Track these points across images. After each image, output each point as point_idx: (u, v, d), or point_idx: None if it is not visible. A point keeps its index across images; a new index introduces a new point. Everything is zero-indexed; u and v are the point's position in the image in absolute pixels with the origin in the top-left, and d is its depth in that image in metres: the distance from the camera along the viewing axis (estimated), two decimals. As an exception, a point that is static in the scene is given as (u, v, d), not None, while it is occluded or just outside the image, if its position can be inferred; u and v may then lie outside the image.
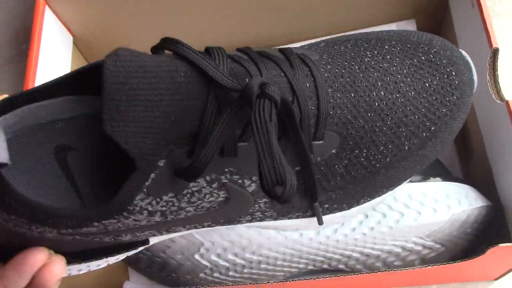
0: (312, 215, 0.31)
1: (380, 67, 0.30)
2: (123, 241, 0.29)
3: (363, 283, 0.42)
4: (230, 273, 0.40)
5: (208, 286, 0.39)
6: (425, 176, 0.39)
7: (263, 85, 0.24)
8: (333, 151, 0.29)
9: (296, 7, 0.47)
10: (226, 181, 0.27)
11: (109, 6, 0.46)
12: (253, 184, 0.28)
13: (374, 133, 0.30)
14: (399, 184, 0.32)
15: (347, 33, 0.34)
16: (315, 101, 0.28)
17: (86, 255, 0.29)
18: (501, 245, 0.33)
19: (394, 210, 0.37)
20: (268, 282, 0.40)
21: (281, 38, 0.51)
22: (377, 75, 0.30)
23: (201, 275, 0.41)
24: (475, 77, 0.32)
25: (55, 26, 0.46)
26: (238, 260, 0.39)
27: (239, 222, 0.30)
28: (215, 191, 0.27)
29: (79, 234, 0.26)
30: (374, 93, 0.30)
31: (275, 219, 0.31)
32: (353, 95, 0.29)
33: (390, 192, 0.32)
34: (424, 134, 0.30)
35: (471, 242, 0.39)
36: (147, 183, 0.24)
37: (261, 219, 0.31)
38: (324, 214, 0.31)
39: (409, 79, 0.30)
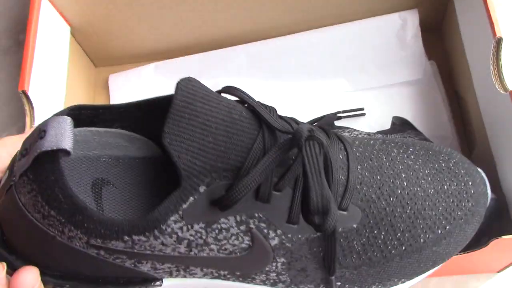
0: None
1: (405, 162, 0.33)
2: (140, 272, 0.28)
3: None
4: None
5: None
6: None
7: (311, 130, 0.27)
8: (354, 225, 0.30)
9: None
10: (253, 227, 0.27)
11: (107, -4, 0.45)
12: (276, 238, 0.28)
13: (394, 218, 0.31)
14: (410, 279, 0.33)
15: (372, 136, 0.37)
16: (346, 172, 0.30)
17: (97, 283, 0.29)
18: (504, 237, 0.33)
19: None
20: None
21: (281, 28, 0.50)
22: (401, 167, 0.32)
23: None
24: (489, 191, 0.34)
25: (52, 16, 0.45)
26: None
27: (253, 280, 0.30)
28: (241, 234, 0.27)
29: (105, 249, 0.26)
30: (398, 182, 0.32)
31: (288, 286, 0.31)
32: (379, 177, 0.31)
33: (401, 286, 0.33)
34: (439, 231, 0.32)
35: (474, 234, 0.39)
36: (184, 206, 0.26)
37: (274, 284, 0.30)
38: None
39: (430, 178, 0.32)
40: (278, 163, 0.27)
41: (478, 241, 0.38)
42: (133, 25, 0.49)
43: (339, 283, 0.31)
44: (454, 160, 0.34)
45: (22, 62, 0.40)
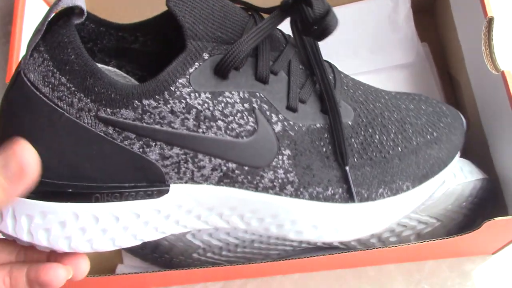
0: (332, 197, 0.31)
1: (387, 91, 0.36)
2: (147, 165, 0.28)
3: (358, 260, 0.41)
4: (224, 253, 0.40)
5: (201, 266, 0.39)
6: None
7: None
8: (349, 122, 0.32)
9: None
10: (256, 106, 0.29)
11: (94, -17, 0.45)
12: (279, 123, 0.29)
13: (384, 119, 0.33)
14: (414, 184, 0.34)
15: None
16: (332, 73, 0.33)
17: (107, 180, 0.28)
18: (497, 218, 0.33)
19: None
20: (262, 261, 0.39)
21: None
22: (384, 92, 0.36)
23: (194, 255, 0.40)
24: (463, 119, 0.38)
25: (38, 6, 0.44)
26: (231, 239, 0.39)
27: (261, 178, 0.30)
28: (246, 113, 0.29)
29: (114, 123, 0.26)
30: (380, 94, 0.35)
31: (296, 190, 0.30)
32: (361, 87, 0.34)
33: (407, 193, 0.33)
34: (428, 136, 0.34)
35: (467, 216, 0.39)
36: (190, 70, 0.27)
37: (282, 185, 0.30)
38: (342, 201, 0.32)
39: (407, 101, 0.36)
40: (272, 47, 0.30)
41: (471, 224, 0.38)
42: (123, 14, 0.48)
43: (345, 185, 0.31)
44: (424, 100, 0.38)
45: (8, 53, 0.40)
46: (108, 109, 0.26)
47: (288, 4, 0.29)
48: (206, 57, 0.27)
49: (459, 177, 0.37)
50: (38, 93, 0.26)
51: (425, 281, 0.42)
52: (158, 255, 0.41)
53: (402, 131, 0.34)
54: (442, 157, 0.35)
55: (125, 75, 0.32)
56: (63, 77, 0.26)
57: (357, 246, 0.40)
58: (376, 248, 0.36)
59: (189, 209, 0.30)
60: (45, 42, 0.26)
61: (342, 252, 0.36)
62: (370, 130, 0.32)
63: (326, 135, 0.31)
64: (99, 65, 0.30)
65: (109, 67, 0.32)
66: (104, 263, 0.45)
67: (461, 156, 0.39)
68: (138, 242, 0.30)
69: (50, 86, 0.26)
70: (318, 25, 0.28)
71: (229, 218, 0.31)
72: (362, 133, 0.32)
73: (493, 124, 0.38)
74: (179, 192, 0.29)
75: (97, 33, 0.31)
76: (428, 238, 0.38)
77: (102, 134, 0.27)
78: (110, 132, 0.27)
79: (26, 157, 0.25)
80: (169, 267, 0.42)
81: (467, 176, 0.37)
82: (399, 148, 0.33)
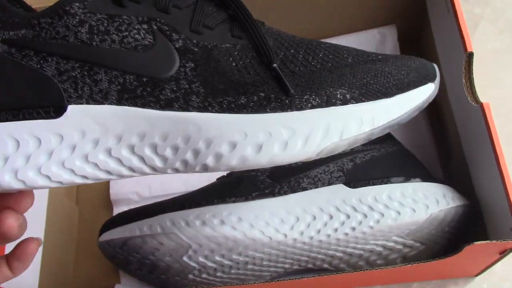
0: (245, 105, 0.29)
1: None
2: (44, 81, 0.29)
3: (347, 282, 0.43)
4: (218, 274, 0.41)
5: (197, 287, 0.41)
6: (406, 177, 0.40)
7: None
8: (271, 42, 0.31)
9: (278, 13, 0.48)
10: (156, 27, 0.29)
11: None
12: (180, 41, 0.29)
13: (311, 45, 0.32)
14: (351, 92, 0.30)
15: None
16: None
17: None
18: (477, 243, 0.34)
19: (375, 210, 0.38)
20: (255, 282, 0.41)
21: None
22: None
23: (190, 276, 0.42)
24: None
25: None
26: (226, 261, 0.40)
27: (162, 90, 0.29)
28: (143, 31, 0.29)
29: (15, 42, 0.28)
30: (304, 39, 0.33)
31: (203, 100, 0.29)
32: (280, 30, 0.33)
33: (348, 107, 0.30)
34: (369, 58, 0.32)
35: (450, 240, 0.41)
36: None
37: (186, 96, 0.29)
38: (258, 109, 0.29)
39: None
40: None
41: (454, 247, 0.40)
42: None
43: (262, 94, 0.29)
44: None
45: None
46: (11, 32, 0.28)
47: None
48: None
49: (441, 203, 0.39)
50: None
51: (411, 302, 0.44)
52: (155, 275, 0.43)
53: (334, 52, 0.31)
54: (391, 71, 0.31)
55: None
56: None
57: (345, 268, 0.41)
58: (364, 270, 0.38)
59: (95, 137, 0.29)
60: None
61: (331, 274, 0.38)
62: (292, 51, 0.31)
63: (236, 53, 0.30)
64: None
65: None
66: (102, 283, 0.47)
67: (444, 183, 0.41)
68: (46, 182, 0.29)
69: None
70: None
71: (142, 152, 0.29)
72: (283, 53, 0.31)
73: (474, 153, 0.40)
74: (80, 114, 0.29)
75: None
76: (413, 261, 0.40)
77: (6, 55, 0.28)
78: (13, 52, 0.28)
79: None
80: (165, 287, 0.43)
81: (450, 202, 0.39)
82: (329, 64, 0.30)
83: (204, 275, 0.41)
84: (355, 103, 0.29)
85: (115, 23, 0.29)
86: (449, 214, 0.39)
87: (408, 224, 0.38)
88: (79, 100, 0.29)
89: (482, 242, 0.34)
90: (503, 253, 0.37)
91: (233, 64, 0.30)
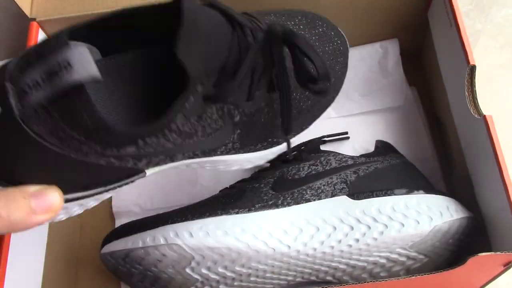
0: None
1: (295, 29, 0.40)
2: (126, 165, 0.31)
3: (350, 294, 0.43)
4: (221, 286, 0.41)
5: (199, 299, 0.40)
6: (409, 189, 0.40)
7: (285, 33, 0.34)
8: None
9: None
10: (226, 110, 0.33)
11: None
12: (238, 115, 0.35)
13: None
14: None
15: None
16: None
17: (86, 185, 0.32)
18: (481, 254, 0.34)
19: (379, 222, 0.38)
20: (258, 295, 0.41)
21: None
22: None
23: (192, 288, 0.41)
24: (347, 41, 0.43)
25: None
26: (228, 273, 0.40)
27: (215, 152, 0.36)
28: (219, 119, 0.33)
29: (117, 156, 0.30)
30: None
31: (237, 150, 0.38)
32: None
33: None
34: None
35: (454, 252, 0.40)
36: (187, 105, 0.30)
37: (228, 151, 0.37)
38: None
39: (317, 43, 0.41)
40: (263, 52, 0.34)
41: (458, 259, 0.40)
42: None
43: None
44: (325, 24, 0.43)
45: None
46: (115, 149, 0.29)
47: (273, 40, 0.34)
48: (199, 90, 0.30)
49: (445, 216, 0.39)
50: (42, 141, 0.28)
51: (415, 316, 0.43)
52: (157, 287, 0.42)
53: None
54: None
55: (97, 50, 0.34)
56: (75, 132, 0.28)
57: (349, 280, 0.41)
58: (368, 282, 0.37)
59: None
60: (55, 103, 0.27)
61: (334, 286, 0.38)
62: None
63: (266, 110, 0.36)
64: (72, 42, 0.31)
65: (84, 43, 0.32)
66: (104, 296, 0.46)
67: (447, 196, 0.41)
68: None
69: (58, 138, 0.28)
70: (320, 82, 0.34)
71: None
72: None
73: (477, 165, 0.40)
74: (154, 171, 0.34)
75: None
76: (417, 273, 0.39)
77: (104, 164, 0.30)
78: (112, 160, 0.30)
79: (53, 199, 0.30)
80: (167, 300, 0.43)
81: (453, 215, 0.39)
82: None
83: (206, 287, 0.41)
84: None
85: (202, 122, 0.32)
86: (453, 226, 0.39)
87: (412, 236, 0.38)
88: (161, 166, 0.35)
89: (486, 253, 0.34)
90: (507, 265, 0.37)
91: (262, 125, 0.37)
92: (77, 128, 0.28)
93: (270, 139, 0.39)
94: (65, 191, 0.30)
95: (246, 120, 0.36)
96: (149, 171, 0.34)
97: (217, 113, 0.33)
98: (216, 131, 0.34)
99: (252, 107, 0.35)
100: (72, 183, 0.31)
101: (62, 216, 0.34)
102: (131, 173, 0.33)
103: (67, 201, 0.31)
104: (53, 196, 0.29)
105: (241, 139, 0.37)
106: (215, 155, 0.37)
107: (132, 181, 0.34)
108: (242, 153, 0.38)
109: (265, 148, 0.40)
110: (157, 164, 0.33)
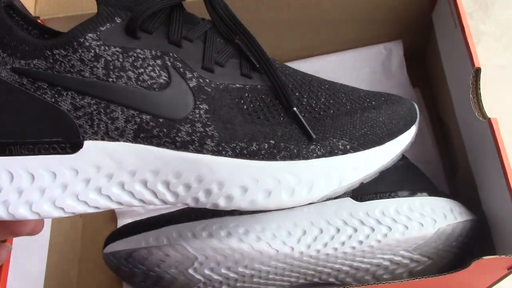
0: (257, 152, 0.31)
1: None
2: (60, 116, 0.28)
3: (353, 296, 0.43)
4: (223, 287, 0.41)
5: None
6: (413, 191, 0.40)
7: None
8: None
9: (284, 28, 0.48)
10: (169, 63, 0.30)
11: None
12: (194, 80, 0.30)
13: (312, 86, 0.33)
14: (351, 143, 0.32)
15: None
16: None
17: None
18: (485, 257, 0.34)
19: (382, 224, 0.38)
20: (261, 296, 0.41)
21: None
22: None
23: (195, 289, 0.41)
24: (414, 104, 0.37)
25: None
26: (231, 274, 0.40)
27: (178, 131, 0.30)
28: (157, 67, 0.29)
29: (27, 73, 0.28)
30: (310, 74, 0.35)
31: (217, 144, 0.30)
32: (290, 67, 0.35)
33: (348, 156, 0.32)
34: (365, 104, 0.34)
35: (457, 255, 0.40)
36: (101, 28, 0.28)
37: (201, 140, 0.30)
38: (269, 157, 0.31)
39: (349, 86, 0.36)
40: (187, 19, 0.31)
41: (461, 262, 0.40)
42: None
43: (272, 142, 0.31)
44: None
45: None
46: (22, 61, 0.28)
47: None
48: (118, 21, 0.29)
49: (449, 218, 0.39)
50: None
51: (417, 318, 0.43)
52: (160, 288, 0.42)
53: (334, 97, 0.33)
54: (384, 121, 0.33)
55: None
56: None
57: (352, 282, 0.41)
58: (370, 284, 0.37)
59: (109, 172, 0.29)
60: None
61: (337, 288, 0.38)
62: (297, 94, 0.33)
63: (247, 94, 0.31)
64: None
65: None
66: (106, 296, 0.46)
67: (451, 198, 0.41)
68: (60, 213, 0.29)
69: None
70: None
71: (155, 187, 0.30)
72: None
73: (481, 167, 0.40)
74: (95, 149, 0.29)
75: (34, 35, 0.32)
76: (420, 276, 0.39)
77: (17, 85, 0.28)
78: (25, 83, 0.28)
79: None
80: (169, 300, 0.43)
81: (457, 217, 0.39)
82: (331, 111, 0.33)
83: (209, 288, 0.41)
84: (353, 153, 0.32)
85: (130, 58, 0.29)
86: (457, 229, 0.39)
87: (415, 238, 0.38)
88: (94, 136, 0.29)
89: (490, 257, 0.34)
90: (511, 269, 0.37)
91: (244, 107, 0.31)
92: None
93: (272, 141, 0.31)
94: None
95: (215, 96, 0.30)
96: (89, 143, 0.29)
97: (153, 58, 0.29)
98: (160, 85, 0.29)
99: (217, 79, 0.31)
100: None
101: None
102: (63, 131, 0.28)
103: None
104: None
105: (214, 123, 0.30)
106: (180, 142, 0.30)
107: (64, 148, 0.29)
108: (231, 155, 0.30)
109: (269, 155, 0.31)
110: (90, 121, 0.29)
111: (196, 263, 0.39)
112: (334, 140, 0.32)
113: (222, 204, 0.30)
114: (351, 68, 0.51)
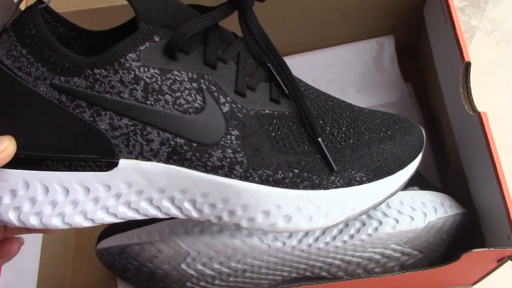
0: (282, 180, 0.32)
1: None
2: (97, 135, 0.29)
3: (345, 290, 0.43)
4: (216, 282, 0.41)
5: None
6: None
7: None
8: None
9: (278, 23, 0.48)
10: (204, 87, 0.30)
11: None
12: (227, 105, 0.31)
13: (335, 114, 0.35)
14: (368, 176, 0.34)
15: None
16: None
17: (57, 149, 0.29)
18: (475, 250, 0.34)
19: (373, 218, 0.38)
20: (253, 290, 0.41)
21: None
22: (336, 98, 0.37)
23: (188, 284, 0.42)
24: (422, 129, 0.38)
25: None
26: (224, 269, 0.40)
27: (210, 156, 0.31)
28: (193, 91, 0.30)
29: (67, 91, 0.28)
30: (333, 97, 0.36)
31: (245, 171, 0.31)
32: (313, 89, 0.36)
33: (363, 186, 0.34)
34: (381, 134, 0.35)
35: (448, 248, 0.41)
36: (141, 47, 0.29)
37: (231, 165, 0.31)
38: (292, 186, 0.32)
39: (365, 109, 0.37)
40: (222, 39, 0.31)
41: (452, 255, 0.40)
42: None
43: (296, 171, 0.32)
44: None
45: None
46: (62, 77, 0.28)
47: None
48: (157, 39, 0.29)
49: (439, 212, 0.39)
50: (1, 65, 0.28)
51: (409, 311, 0.44)
52: (153, 283, 0.42)
53: (354, 126, 0.35)
54: (397, 153, 0.35)
55: None
56: (24, 49, 0.28)
57: (344, 276, 0.41)
58: (362, 278, 0.38)
59: (140, 189, 0.31)
60: (12, 23, 0.29)
61: (329, 282, 0.38)
62: (321, 122, 0.34)
63: (275, 121, 0.32)
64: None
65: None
66: (100, 291, 0.46)
67: (442, 192, 0.41)
68: (90, 223, 0.31)
69: (12, 58, 0.28)
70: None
71: (181, 204, 0.31)
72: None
73: (471, 161, 0.41)
74: (129, 168, 0.30)
75: (68, 37, 0.33)
76: (411, 269, 0.40)
77: (56, 102, 0.28)
78: (63, 100, 0.28)
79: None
80: (163, 296, 0.43)
81: (448, 211, 0.39)
82: (351, 140, 0.34)
83: (202, 283, 0.41)
84: (367, 183, 0.33)
85: (168, 81, 0.29)
86: (447, 222, 0.39)
87: (406, 232, 0.38)
88: (128, 155, 0.30)
89: (480, 249, 0.34)
90: (500, 261, 0.37)
91: (272, 134, 0.32)
92: (25, 43, 0.28)
93: (296, 170, 0.32)
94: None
95: (246, 122, 0.31)
96: (123, 162, 0.30)
97: (189, 81, 0.30)
98: (195, 109, 0.30)
99: (248, 104, 0.31)
100: (26, 130, 0.29)
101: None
102: (99, 149, 0.29)
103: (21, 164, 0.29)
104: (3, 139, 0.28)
105: (244, 150, 0.31)
106: (212, 166, 0.31)
107: (100, 166, 0.30)
108: (258, 181, 0.31)
109: (292, 184, 0.32)
110: (126, 141, 0.29)
111: (189, 258, 0.40)
112: (352, 172, 0.33)
113: (244, 225, 0.32)
114: (344, 62, 0.52)
